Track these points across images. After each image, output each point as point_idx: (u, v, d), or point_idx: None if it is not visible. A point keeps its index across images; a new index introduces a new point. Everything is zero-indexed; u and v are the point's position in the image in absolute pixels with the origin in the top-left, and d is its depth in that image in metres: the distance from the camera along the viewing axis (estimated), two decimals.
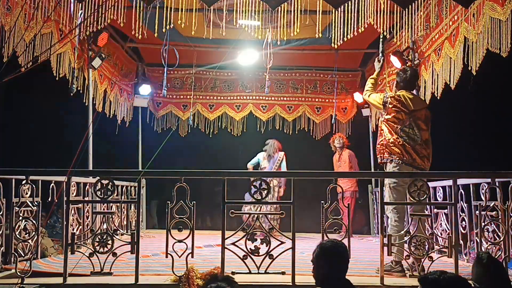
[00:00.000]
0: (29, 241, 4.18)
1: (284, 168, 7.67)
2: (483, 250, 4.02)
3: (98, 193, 4.05)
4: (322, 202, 4.04)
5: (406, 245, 4.12)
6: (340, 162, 8.29)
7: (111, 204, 6.16)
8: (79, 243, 4.09)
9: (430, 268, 3.87)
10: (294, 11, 4.87)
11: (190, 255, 3.92)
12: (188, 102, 9.29)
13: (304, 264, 3.91)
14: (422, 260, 4.04)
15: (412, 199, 4.08)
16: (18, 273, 3.86)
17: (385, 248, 4.00)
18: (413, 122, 4.54)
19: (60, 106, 7.72)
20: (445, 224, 5.47)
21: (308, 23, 5.37)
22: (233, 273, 3.89)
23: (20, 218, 4.20)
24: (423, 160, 4.53)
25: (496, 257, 3.77)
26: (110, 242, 4.00)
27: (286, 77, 9.43)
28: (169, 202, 3.94)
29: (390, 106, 4.56)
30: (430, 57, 6.00)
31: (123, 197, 6.89)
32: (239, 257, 3.95)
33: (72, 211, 5.49)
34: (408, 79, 4.76)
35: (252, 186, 4.04)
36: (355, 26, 4.96)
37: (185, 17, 5.03)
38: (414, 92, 5.06)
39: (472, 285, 2.97)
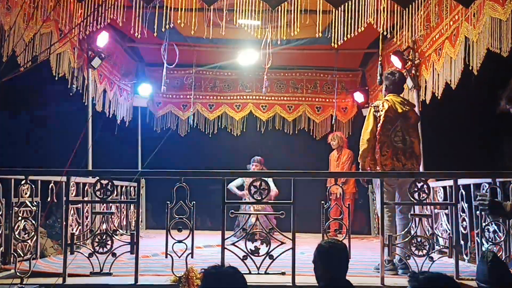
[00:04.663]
0: (29, 241, 4.17)
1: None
2: (483, 250, 4.01)
3: (98, 193, 4.04)
4: (322, 202, 4.04)
5: (400, 245, 4.17)
6: (339, 162, 8.26)
7: (110, 204, 6.14)
8: (78, 243, 4.09)
9: (430, 268, 3.87)
10: (294, 11, 4.86)
11: (190, 255, 3.91)
12: (188, 102, 9.28)
13: (304, 264, 3.90)
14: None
15: (412, 199, 4.08)
16: (18, 273, 3.85)
17: (385, 248, 4.00)
18: (402, 127, 4.56)
19: (60, 105, 7.71)
20: (446, 224, 5.46)
21: (308, 23, 5.35)
22: None
23: (20, 218, 4.19)
24: (413, 163, 4.59)
25: None
26: (109, 242, 3.99)
27: (286, 77, 9.42)
28: (168, 202, 3.94)
29: (382, 112, 4.57)
30: (431, 57, 5.99)
31: (122, 197, 6.88)
32: (239, 258, 3.94)
33: (72, 211, 5.48)
34: (396, 82, 4.77)
35: (252, 186, 4.03)
36: (355, 26, 4.95)
37: (185, 17, 5.02)
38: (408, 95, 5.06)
39: (476, 285, 2.96)
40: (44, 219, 5.73)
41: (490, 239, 4.27)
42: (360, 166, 4.69)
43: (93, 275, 3.95)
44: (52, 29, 5.53)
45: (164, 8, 5.08)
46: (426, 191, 4.05)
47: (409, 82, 6.49)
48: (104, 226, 4.32)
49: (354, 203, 8.16)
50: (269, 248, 3.97)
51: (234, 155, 8.51)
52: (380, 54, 6.20)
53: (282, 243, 4.00)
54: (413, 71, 6.44)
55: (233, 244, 3.98)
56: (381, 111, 4.57)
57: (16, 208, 4.19)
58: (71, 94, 6.34)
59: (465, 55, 4.93)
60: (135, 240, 3.95)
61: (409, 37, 5.99)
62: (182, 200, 3.93)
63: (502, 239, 4.29)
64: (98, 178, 4.12)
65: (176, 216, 3.92)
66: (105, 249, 3.98)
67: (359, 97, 8.98)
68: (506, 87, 3.06)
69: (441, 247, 4.58)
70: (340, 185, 5.03)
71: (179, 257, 3.93)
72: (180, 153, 8.90)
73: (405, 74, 6.45)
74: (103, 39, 6.62)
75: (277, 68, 8.79)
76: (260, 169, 7.35)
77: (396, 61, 6.51)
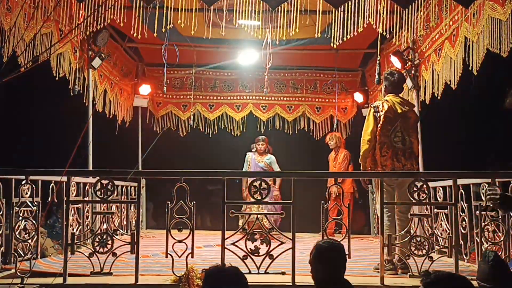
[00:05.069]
0: (29, 241, 4.18)
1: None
2: (483, 250, 4.02)
3: (98, 193, 4.05)
4: (322, 202, 4.04)
5: (399, 245, 4.18)
6: (336, 162, 8.26)
7: (111, 204, 6.15)
8: (79, 243, 4.10)
9: (430, 268, 3.87)
10: (294, 11, 4.86)
11: (190, 255, 3.92)
12: (188, 102, 9.29)
13: (304, 264, 3.89)
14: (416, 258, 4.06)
15: (412, 199, 4.09)
16: (18, 273, 3.86)
17: (385, 248, 4.01)
18: (402, 127, 4.57)
19: (61, 106, 7.72)
20: (445, 224, 5.47)
21: (308, 23, 5.36)
22: None
23: (20, 218, 4.19)
24: (412, 163, 4.59)
25: None
26: (110, 242, 4.00)
27: (286, 77, 9.43)
28: (169, 202, 3.94)
29: (382, 113, 4.57)
30: (430, 57, 6.00)
31: (123, 197, 6.89)
32: (239, 257, 3.95)
33: (72, 211, 5.49)
34: (396, 83, 4.78)
35: (252, 186, 4.04)
36: (355, 26, 4.95)
37: (185, 17, 5.02)
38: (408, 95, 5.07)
39: (477, 285, 2.97)
40: (44, 219, 5.74)
41: (489, 239, 4.28)
42: (361, 167, 4.70)
43: (94, 275, 3.96)
44: (52, 29, 5.54)
45: (164, 8, 5.08)
46: (426, 191, 4.06)
47: (409, 83, 6.50)
48: (104, 226, 4.33)
49: (353, 203, 8.17)
50: (269, 248, 3.98)
51: (234, 155, 8.52)
52: (378, 54, 6.21)
53: (282, 243, 4.01)
54: (412, 72, 6.45)
55: (233, 243, 3.99)
56: (381, 111, 4.58)
57: (16, 208, 4.20)
58: (72, 94, 6.35)
59: (465, 55, 4.94)
60: (135, 240, 3.96)
61: (409, 38, 6.00)
62: (182, 200, 3.94)
63: (501, 239, 4.30)
64: (98, 178, 4.13)
65: (177, 216, 3.93)
66: (105, 249, 3.99)
67: (358, 97, 8.99)
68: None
69: (441, 247, 4.60)
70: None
71: (179, 257, 3.93)
72: (180, 153, 8.92)
73: (404, 74, 6.47)
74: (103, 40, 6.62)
75: (277, 68, 8.80)
76: (266, 148, 7.53)
77: (395, 62, 6.52)
